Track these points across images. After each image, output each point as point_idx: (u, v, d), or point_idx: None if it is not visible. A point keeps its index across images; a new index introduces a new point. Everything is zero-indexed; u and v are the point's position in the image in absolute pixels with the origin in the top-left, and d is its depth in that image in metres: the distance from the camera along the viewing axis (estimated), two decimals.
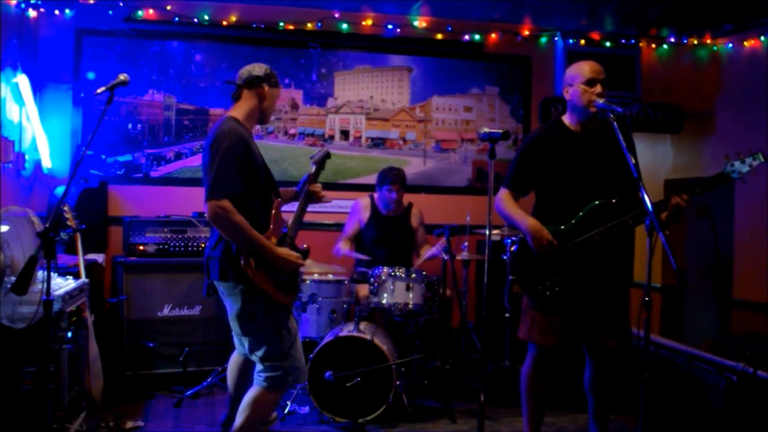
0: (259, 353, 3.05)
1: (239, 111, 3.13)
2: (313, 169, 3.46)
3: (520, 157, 3.32)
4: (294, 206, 3.42)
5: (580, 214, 3.16)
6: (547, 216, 3.22)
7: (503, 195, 3.32)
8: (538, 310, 3.22)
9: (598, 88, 3.12)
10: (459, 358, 4.90)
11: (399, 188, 4.86)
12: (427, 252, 4.94)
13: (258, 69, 3.14)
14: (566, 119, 3.28)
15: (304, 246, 3.25)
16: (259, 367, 3.08)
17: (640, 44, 5.99)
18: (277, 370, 3.04)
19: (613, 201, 3.14)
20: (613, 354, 3.25)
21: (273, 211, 3.12)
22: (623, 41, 5.93)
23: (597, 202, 3.15)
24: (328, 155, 3.56)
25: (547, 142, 3.24)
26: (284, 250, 3.04)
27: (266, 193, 3.13)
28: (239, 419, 3.06)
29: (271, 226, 3.08)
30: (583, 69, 3.16)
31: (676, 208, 3.01)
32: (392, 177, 4.83)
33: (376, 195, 5.02)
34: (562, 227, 3.17)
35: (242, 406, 3.07)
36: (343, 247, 4.84)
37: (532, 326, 3.25)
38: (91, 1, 5.12)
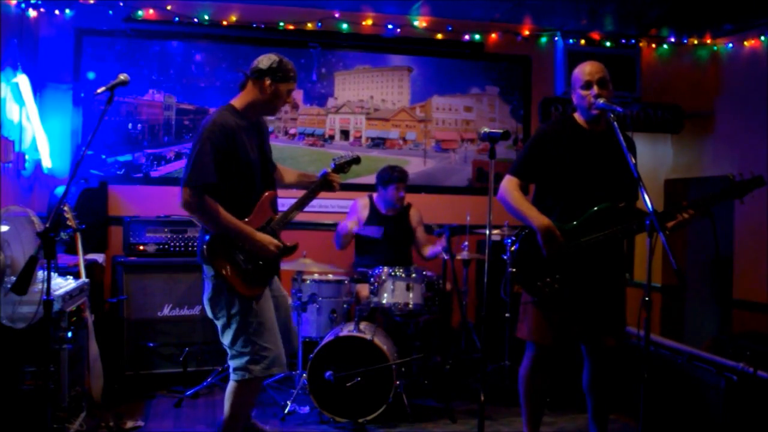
0: (226, 340, 3.12)
1: (239, 100, 3.20)
2: (332, 167, 3.51)
3: (531, 146, 3.29)
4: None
5: (586, 214, 3.15)
6: (549, 211, 3.21)
7: (511, 184, 3.25)
8: (537, 309, 3.22)
9: (595, 90, 3.12)
10: (459, 358, 4.89)
11: (404, 186, 4.89)
12: (430, 250, 4.94)
13: (265, 62, 3.16)
14: (578, 116, 3.28)
15: (290, 243, 3.28)
16: (228, 354, 3.15)
17: (640, 44, 5.99)
18: (241, 357, 3.07)
19: (620, 205, 3.15)
20: (611, 353, 3.25)
21: (259, 202, 3.18)
22: (623, 41, 5.93)
23: (604, 205, 3.14)
24: (356, 161, 3.59)
25: (560, 137, 3.24)
26: (264, 236, 3.11)
27: (253, 183, 3.17)
28: (224, 412, 3.18)
29: (252, 216, 3.14)
30: (582, 71, 3.17)
31: (683, 222, 3.09)
32: (398, 175, 4.84)
33: (376, 194, 5.02)
34: (575, 223, 3.16)
35: (225, 399, 3.18)
36: (350, 224, 4.83)
37: (530, 325, 3.25)
38: (91, 1, 5.12)
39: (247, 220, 3.13)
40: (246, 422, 3.51)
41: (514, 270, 3.27)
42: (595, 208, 3.15)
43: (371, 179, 5.25)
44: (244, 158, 3.11)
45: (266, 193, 3.21)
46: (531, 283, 3.20)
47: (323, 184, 3.40)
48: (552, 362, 3.30)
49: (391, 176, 4.84)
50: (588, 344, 3.28)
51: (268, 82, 3.13)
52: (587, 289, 3.17)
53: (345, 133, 5.70)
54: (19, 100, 4.63)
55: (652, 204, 2.73)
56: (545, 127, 3.38)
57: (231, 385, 3.14)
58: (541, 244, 3.13)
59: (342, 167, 3.51)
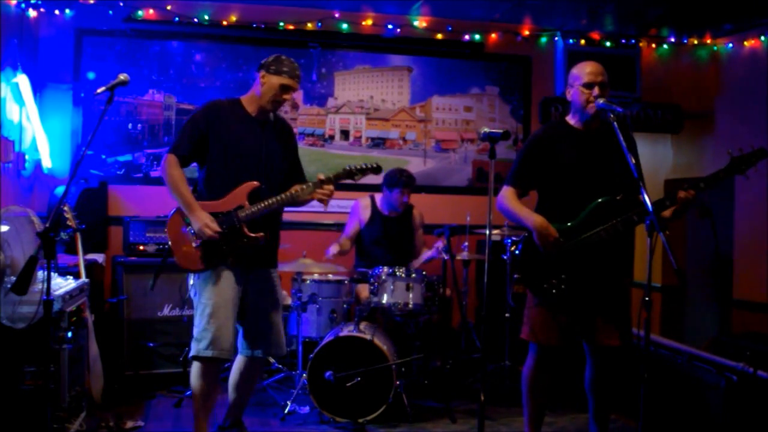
0: None
1: (245, 95, 3.35)
2: (341, 170, 3.27)
3: (524, 154, 3.31)
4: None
5: (585, 211, 3.16)
6: (550, 214, 3.21)
7: (507, 193, 3.29)
8: (543, 309, 3.21)
9: (596, 91, 3.12)
10: (459, 358, 4.90)
11: (410, 192, 4.86)
12: (424, 255, 4.94)
13: (267, 58, 3.28)
14: (570, 119, 3.29)
15: (260, 234, 3.18)
16: None
17: (640, 44, 5.99)
18: (193, 335, 3.22)
19: (618, 198, 3.15)
20: (615, 353, 3.24)
21: (237, 188, 3.18)
22: (623, 41, 5.93)
23: (602, 199, 3.15)
24: (374, 169, 3.29)
25: (552, 141, 3.25)
26: (203, 214, 3.14)
27: (240, 173, 3.20)
28: None
29: (222, 199, 3.19)
30: (583, 70, 3.17)
31: (684, 202, 3.01)
32: (405, 180, 4.79)
33: (380, 196, 5.00)
34: (569, 224, 3.16)
35: None
36: (333, 249, 4.80)
37: (536, 326, 3.24)
38: (91, 1, 5.12)
39: (214, 201, 3.19)
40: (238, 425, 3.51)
41: (518, 276, 3.26)
42: (593, 204, 3.14)
43: (372, 179, 5.22)
44: (232, 144, 3.21)
45: (248, 183, 3.19)
46: (537, 285, 3.20)
47: (313, 189, 3.21)
48: (555, 362, 3.30)
49: (399, 180, 4.79)
50: (591, 344, 3.28)
51: (262, 73, 3.23)
52: (592, 288, 3.17)
53: (345, 133, 5.70)
54: (19, 100, 4.63)
55: (652, 204, 2.73)
56: (537, 134, 3.39)
57: None
58: (537, 242, 3.14)
59: (352, 173, 3.27)
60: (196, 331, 3.20)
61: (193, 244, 3.19)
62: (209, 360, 3.18)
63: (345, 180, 3.28)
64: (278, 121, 3.41)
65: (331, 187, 3.22)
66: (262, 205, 3.18)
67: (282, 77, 3.20)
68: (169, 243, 3.27)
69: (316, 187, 3.20)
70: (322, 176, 3.21)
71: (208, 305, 3.17)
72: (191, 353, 3.21)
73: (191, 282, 3.29)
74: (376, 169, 3.30)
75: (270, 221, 3.29)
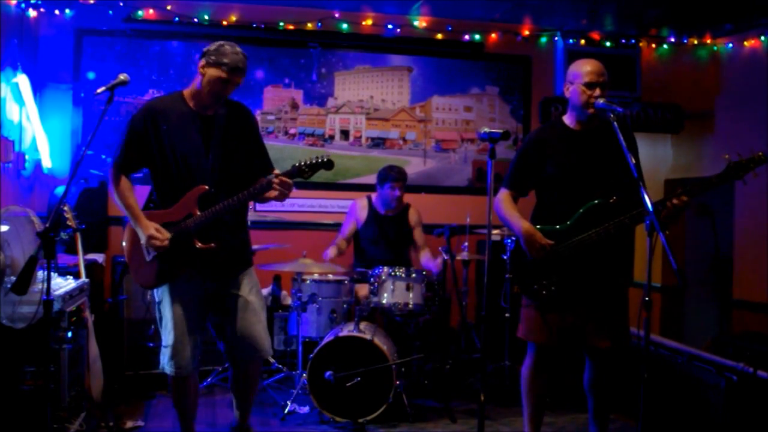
0: None
1: (188, 87, 3.09)
2: (292, 167, 2.98)
3: (519, 156, 3.32)
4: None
5: (578, 213, 3.15)
6: (547, 216, 3.22)
7: (502, 195, 3.32)
8: (534, 309, 3.23)
9: (597, 91, 3.11)
10: (459, 358, 4.90)
11: (401, 186, 4.86)
12: (425, 260, 4.89)
13: (210, 45, 2.99)
14: (566, 119, 3.28)
15: (211, 244, 2.99)
16: None
17: (640, 44, 5.99)
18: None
19: (612, 200, 3.14)
20: (607, 355, 3.24)
21: (186, 195, 2.97)
22: (623, 41, 5.94)
23: (595, 202, 3.14)
24: (325, 164, 2.95)
25: (547, 142, 3.25)
26: (148, 224, 2.97)
27: (183, 174, 2.99)
28: None
29: (173, 207, 3.01)
30: (585, 69, 3.15)
31: (674, 209, 2.96)
32: (395, 175, 4.83)
33: (375, 194, 5.02)
34: (558, 227, 3.17)
35: None
36: (331, 252, 4.81)
37: (529, 325, 3.25)
38: (91, 1, 5.12)
39: (164, 211, 3.04)
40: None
41: (511, 276, 3.28)
42: (586, 206, 3.14)
43: (371, 179, 5.25)
44: (174, 145, 2.98)
45: (197, 187, 2.97)
46: (528, 286, 3.21)
47: (265, 188, 2.94)
48: (553, 362, 3.30)
49: (388, 175, 4.83)
50: (583, 345, 3.28)
51: (201, 63, 2.98)
52: (584, 290, 3.17)
53: (345, 133, 5.70)
54: (19, 100, 4.63)
55: (652, 204, 2.72)
56: (531, 135, 3.38)
57: None
58: (524, 248, 3.15)
59: (302, 171, 2.95)
60: (162, 341, 3.16)
61: (147, 258, 3.04)
62: (170, 376, 3.18)
63: (296, 178, 2.98)
64: (230, 109, 3.11)
65: (284, 180, 2.93)
66: (209, 211, 2.96)
67: (221, 70, 2.93)
68: (126, 254, 3.13)
69: (268, 187, 2.93)
70: (277, 171, 2.96)
71: (170, 320, 3.10)
72: (160, 365, 3.18)
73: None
74: (327, 164, 2.95)
75: (230, 223, 3.09)
